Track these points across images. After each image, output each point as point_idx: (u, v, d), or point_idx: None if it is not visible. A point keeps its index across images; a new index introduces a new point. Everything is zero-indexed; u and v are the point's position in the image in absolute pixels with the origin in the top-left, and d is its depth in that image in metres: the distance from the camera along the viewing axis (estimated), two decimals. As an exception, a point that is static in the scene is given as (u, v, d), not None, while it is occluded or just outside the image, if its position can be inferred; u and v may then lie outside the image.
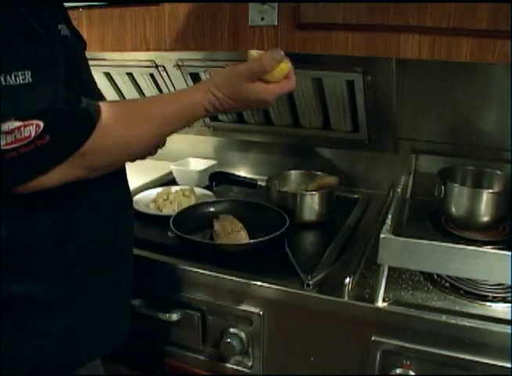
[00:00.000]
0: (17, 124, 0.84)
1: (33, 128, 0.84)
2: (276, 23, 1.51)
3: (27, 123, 0.84)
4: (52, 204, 0.98)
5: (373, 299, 1.21)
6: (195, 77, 1.90)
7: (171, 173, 2.10)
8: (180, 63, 1.85)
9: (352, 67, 1.61)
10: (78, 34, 1.10)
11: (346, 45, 1.46)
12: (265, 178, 1.81)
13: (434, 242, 1.11)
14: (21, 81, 0.83)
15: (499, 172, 1.65)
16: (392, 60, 1.54)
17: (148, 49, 1.74)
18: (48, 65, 0.89)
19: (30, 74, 0.84)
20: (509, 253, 1.05)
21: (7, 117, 0.84)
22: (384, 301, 1.20)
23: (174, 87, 1.98)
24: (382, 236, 1.15)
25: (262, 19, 1.52)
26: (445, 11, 1.33)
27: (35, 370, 1.04)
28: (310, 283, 1.27)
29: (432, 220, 1.66)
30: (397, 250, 1.14)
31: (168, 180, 2.07)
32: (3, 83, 0.82)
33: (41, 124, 0.85)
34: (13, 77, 0.83)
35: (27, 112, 0.85)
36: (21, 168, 0.87)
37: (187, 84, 1.93)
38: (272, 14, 1.51)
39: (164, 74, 1.93)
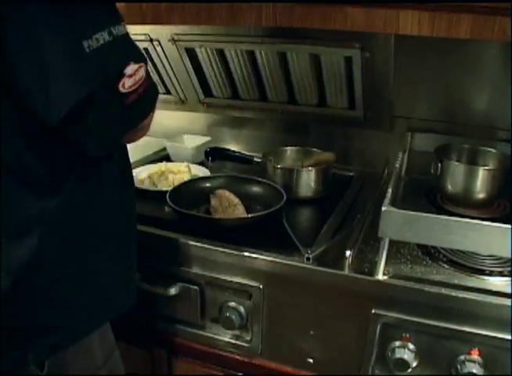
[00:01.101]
0: (135, 66, 0.93)
1: (143, 69, 0.95)
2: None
3: (140, 65, 0.94)
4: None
5: (373, 272, 1.23)
6: (191, 53, 1.90)
7: (164, 150, 2.10)
8: (176, 38, 1.84)
9: (351, 43, 1.61)
10: None
11: (345, 21, 1.45)
12: (260, 155, 1.80)
13: (435, 215, 1.13)
14: (123, 32, 0.92)
15: (493, 150, 1.66)
16: (391, 37, 1.55)
17: (144, 22, 1.71)
18: None
19: (123, 25, 0.93)
20: (509, 226, 1.06)
21: (128, 61, 0.92)
22: (384, 274, 1.22)
23: (169, 63, 1.98)
24: (383, 209, 1.16)
25: (260, -7, 1.51)
26: (446, -13, 1.33)
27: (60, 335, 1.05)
28: (310, 256, 1.28)
29: (428, 197, 1.67)
30: (398, 223, 1.15)
31: (162, 157, 2.07)
32: (114, 34, 0.89)
33: (144, 66, 0.95)
34: (117, 29, 0.90)
35: (137, 55, 0.95)
36: (138, 109, 1.00)
37: (182, 61, 1.93)
38: None
39: (158, 48, 1.92)
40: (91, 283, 1.09)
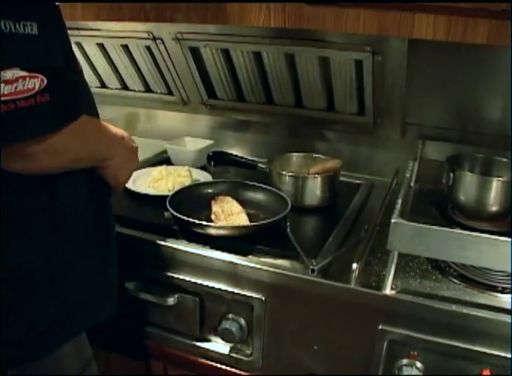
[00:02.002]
0: (23, 74, 0.81)
1: (37, 81, 0.83)
2: (284, -4, 1.50)
3: (32, 75, 0.82)
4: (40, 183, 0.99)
5: (380, 286, 1.22)
6: (195, 52, 1.89)
7: (165, 152, 2.10)
8: (179, 37, 1.84)
9: (362, 46, 1.61)
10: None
11: (357, 23, 1.44)
12: (264, 160, 1.80)
13: (447, 228, 1.12)
14: (29, 31, 0.82)
15: (508, 161, 1.66)
16: (404, 40, 1.54)
17: (147, 20, 1.71)
18: (52, 22, 0.88)
19: (36, 26, 0.83)
20: (527, 242, 1.06)
21: (13, 65, 0.81)
22: (391, 288, 1.21)
23: (172, 62, 1.97)
24: (393, 220, 1.15)
25: (269, -7, 1.51)
26: (463, -10, 1.32)
27: (26, 349, 1.04)
28: (315, 268, 1.27)
29: (438, 208, 1.67)
30: (408, 235, 1.14)
31: (162, 159, 2.07)
32: (13, 30, 0.80)
33: (45, 80, 0.83)
34: (21, 26, 0.81)
35: (34, 63, 0.83)
36: (13, 126, 0.84)
37: (186, 60, 1.92)
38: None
39: (161, 47, 1.92)
40: (58, 292, 1.07)
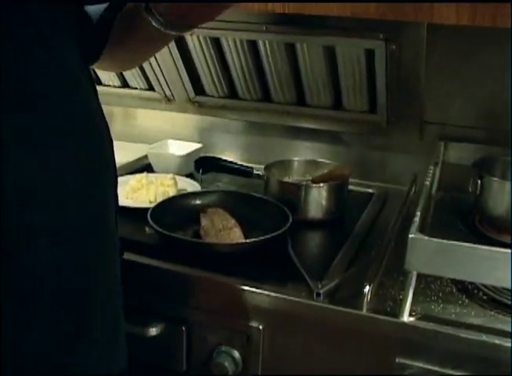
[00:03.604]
0: None
1: None
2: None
3: None
4: None
5: (397, 313, 1.21)
6: (179, 41, 1.91)
7: (145, 157, 2.10)
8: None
9: (374, 33, 1.62)
10: None
11: (368, 6, 1.45)
12: (261, 166, 1.80)
13: (475, 245, 1.11)
14: None
15: (545, 164, 1.66)
16: (423, 26, 1.55)
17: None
18: None
19: None
20: None
21: None
22: (410, 315, 1.21)
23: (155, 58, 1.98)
24: (411, 236, 1.15)
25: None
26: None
27: None
28: (320, 291, 1.26)
29: (464, 221, 1.66)
30: (429, 253, 1.14)
31: (143, 166, 2.07)
32: None
33: None
34: None
35: None
36: None
37: (169, 51, 1.93)
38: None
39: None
40: None
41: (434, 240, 1.13)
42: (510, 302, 1.25)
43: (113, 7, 1.29)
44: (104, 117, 1.13)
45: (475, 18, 1.37)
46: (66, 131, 1.00)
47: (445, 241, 1.13)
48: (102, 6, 1.29)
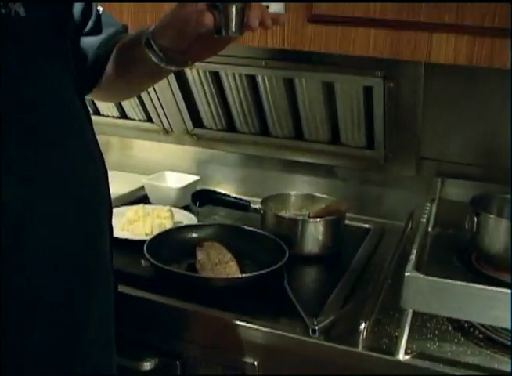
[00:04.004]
0: None
1: None
2: (284, 13, 1.52)
3: None
4: None
5: (392, 350, 1.21)
6: (179, 74, 1.91)
7: (142, 189, 2.10)
8: (162, 56, 1.86)
9: (372, 71, 1.63)
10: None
11: (367, 44, 1.47)
12: (258, 200, 1.81)
13: (471, 284, 1.12)
14: None
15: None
16: (421, 65, 1.56)
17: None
18: None
19: None
20: None
21: None
22: (406, 353, 1.21)
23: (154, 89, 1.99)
24: (407, 274, 1.15)
25: (267, 7, 1.53)
26: (489, 6, 1.34)
27: None
28: (316, 328, 1.26)
29: (461, 258, 1.67)
30: (425, 291, 1.14)
31: (139, 197, 2.07)
32: None
33: None
34: None
35: None
36: None
37: (169, 84, 1.94)
38: (278, 3, 1.52)
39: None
40: None
41: (430, 278, 1.14)
42: (507, 342, 1.25)
43: (107, 43, 1.31)
44: (99, 148, 1.14)
45: (472, 58, 1.39)
46: (61, 162, 1.01)
47: (440, 280, 1.13)
48: (98, 40, 1.31)
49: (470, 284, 1.12)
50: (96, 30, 1.32)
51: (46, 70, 1.01)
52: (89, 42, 1.31)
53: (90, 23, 1.31)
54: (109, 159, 2.26)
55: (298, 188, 1.99)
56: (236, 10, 1.02)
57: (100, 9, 1.35)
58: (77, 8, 1.28)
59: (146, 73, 1.27)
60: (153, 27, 1.14)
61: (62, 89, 1.04)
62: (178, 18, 1.10)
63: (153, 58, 1.14)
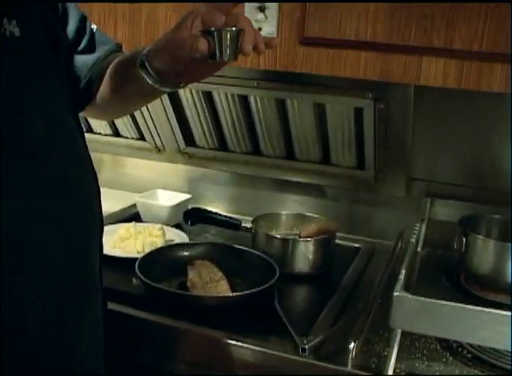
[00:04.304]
0: None
1: None
2: (276, 35, 1.54)
3: None
4: None
5: (381, 370, 1.22)
6: (172, 94, 1.92)
7: (134, 206, 2.11)
8: (155, 75, 1.87)
9: (362, 92, 1.65)
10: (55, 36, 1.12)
11: (357, 67, 1.49)
12: (249, 218, 1.82)
13: (459, 304, 1.13)
14: None
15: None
16: (410, 87, 1.59)
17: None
18: None
19: None
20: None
21: None
22: (394, 372, 1.22)
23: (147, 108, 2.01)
24: (396, 294, 1.16)
25: (259, 29, 1.55)
26: (477, 32, 1.37)
27: None
28: (306, 347, 1.27)
29: (449, 278, 1.68)
30: (413, 311, 1.15)
31: (131, 215, 2.08)
32: None
33: None
34: None
35: None
36: None
37: (162, 103, 1.95)
38: (271, 24, 1.54)
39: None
40: None
41: (419, 298, 1.15)
42: (495, 362, 1.26)
43: (101, 62, 1.33)
44: (93, 166, 1.15)
45: (460, 81, 1.41)
46: (55, 180, 1.01)
47: (429, 300, 1.14)
48: (92, 58, 1.32)
49: (458, 304, 1.13)
50: (90, 48, 1.34)
51: (41, 90, 1.02)
52: (83, 61, 1.32)
53: (84, 42, 1.33)
54: (102, 176, 2.24)
55: (289, 207, 2.00)
56: (230, 36, 1.03)
57: (94, 27, 1.36)
58: (71, 26, 1.29)
59: (139, 93, 1.27)
60: (148, 49, 1.15)
61: (57, 109, 1.05)
62: (172, 42, 1.10)
63: (148, 79, 1.15)
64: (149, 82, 1.16)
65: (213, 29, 1.04)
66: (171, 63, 1.13)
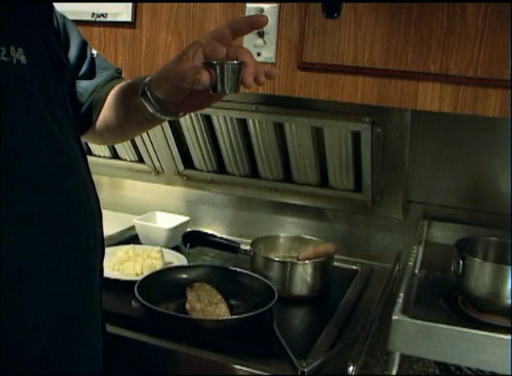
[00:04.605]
0: None
1: None
2: (275, 60, 1.56)
3: None
4: None
5: (380, 393, 1.23)
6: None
7: (132, 228, 2.11)
8: (155, 100, 1.89)
9: (360, 117, 1.67)
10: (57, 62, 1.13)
11: (355, 92, 1.51)
12: (247, 240, 1.83)
13: (458, 327, 1.13)
14: None
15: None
16: (407, 111, 1.60)
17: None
18: None
19: None
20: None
21: None
22: (393, 395, 1.22)
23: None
24: (394, 317, 1.17)
25: (258, 54, 1.57)
26: (473, 58, 1.39)
27: None
28: (305, 370, 1.27)
29: (447, 300, 1.68)
30: (412, 335, 1.16)
31: (129, 237, 2.09)
32: None
33: None
34: None
35: None
36: None
37: (161, 125, 1.96)
38: (270, 50, 1.56)
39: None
40: None
41: (417, 321, 1.15)
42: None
43: (101, 88, 1.34)
44: (95, 190, 1.15)
45: (456, 106, 1.43)
46: (60, 205, 1.02)
47: (427, 323, 1.15)
48: (93, 84, 1.34)
49: (456, 328, 1.13)
50: (91, 74, 1.36)
51: (47, 117, 1.02)
52: (84, 86, 1.33)
53: (84, 67, 1.35)
54: (101, 198, 2.25)
55: (287, 229, 2.01)
56: (232, 69, 1.04)
57: (95, 52, 1.38)
58: (73, 51, 1.31)
59: (140, 120, 1.29)
60: (150, 78, 1.16)
61: (62, 136, 1.05)
62: (174, 74, 1.11)
63: (149, 108, 1.16)
64: (150, 110, 1.17)
65: (215, 62, 1.04)
66: (173, 93, 1.13)
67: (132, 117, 1.29)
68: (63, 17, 1.32)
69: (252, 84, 1.07)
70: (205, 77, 1.04)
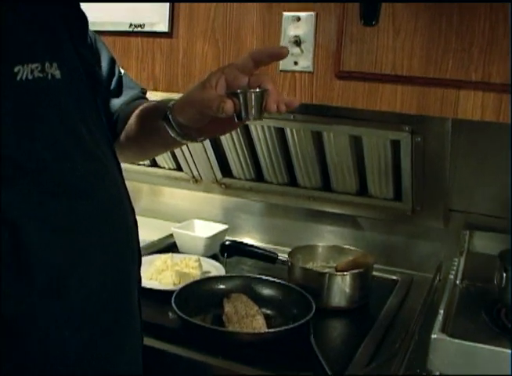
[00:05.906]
0: None
1: None
2: (312, 69, 1.54)
3: None
4: None
5: (420, 412, 1.19)
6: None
7: (171, 236, 2.11)
8: (193, 109, 1.88)
9: (399, 125, 1.63)
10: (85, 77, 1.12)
11: (394, 100, 1.47)
12: (284, 248, 1.82)
13: (498, 348, 1.09)
14: None
15: None
16: (448, 120, 1.56)
17: (156, 89, 1.76)
18: None
19: None
20: None
21: None
22: (433, 415, 1.18)
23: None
24: (433, 336, 1.14)
25: (296, 63, 1.55)
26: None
27: None
28: (342, 387, 1.25)
29: (489, 313, 1.63)
30: (452, 354, 1.12)
31: (168, 245, 2.08)
32: None
33: None
34: None
35: None
36: None
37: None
38: (307, 58, 1.54)
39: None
40: None
41: (457, 341, 1.12)
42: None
43: (126, 106, 1.36)
44: (130, 199, 1.15)
45: (499, 114, 1.38)
46: (95, 215, 1.02)
47: (467, 343, 1.11)
48: (119, 102, 1.37)
49: (496, 348, 1.09)
50: (118, 91, 1.38)
51: (82, 130, 1.02)
52: (110, 103, 1.36)
53: (113, 84, 1.37)
54: (140, 205, 2.29)
55: (325, 238, 1.98)
56: (255, 97, 1.05)
57: (122, 71, 1.40)
58: (103, 68, 1.33)
59: (160, 142, 1.30)
60: (173, 103, 1.17)
61: (97, 147, 1.06)
62: (199, 101, 1.11)
63: (170, 132, 1.17)
64: (172, 135, 1.17)
65: (239, 91, 1.05)
66: (195, 119, 1.14)
67: (153, 139, 1.31)
68: (94, 33, 1.34)
69: (275, 111, 1.08)
70: (229, 105, 1.05)
